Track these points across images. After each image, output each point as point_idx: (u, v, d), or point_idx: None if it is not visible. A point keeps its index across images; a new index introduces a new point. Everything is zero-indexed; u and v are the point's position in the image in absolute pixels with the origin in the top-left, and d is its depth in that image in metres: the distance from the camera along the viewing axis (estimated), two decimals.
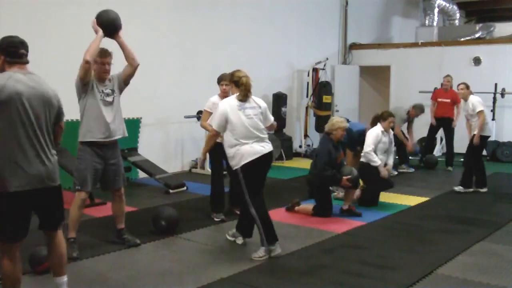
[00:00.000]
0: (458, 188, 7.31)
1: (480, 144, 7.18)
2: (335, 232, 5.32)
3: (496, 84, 10.55)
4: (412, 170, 9.02)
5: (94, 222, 5.51)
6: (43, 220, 3.36)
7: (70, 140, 6.28)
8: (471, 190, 7.29)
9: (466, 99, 7.31)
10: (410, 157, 9.33)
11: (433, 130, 9.52)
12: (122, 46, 4.41)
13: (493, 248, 4.87)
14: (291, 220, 5.79)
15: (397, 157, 9.05)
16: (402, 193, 7.22)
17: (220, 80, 5.70)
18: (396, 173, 8.66)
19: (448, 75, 9.31)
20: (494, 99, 10.53)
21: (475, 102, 7.15)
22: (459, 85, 7.51)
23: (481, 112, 7.08)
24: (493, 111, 10.51)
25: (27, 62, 3.24)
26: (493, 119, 10.52)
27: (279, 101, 10.20)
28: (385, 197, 6.96)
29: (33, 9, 6.74)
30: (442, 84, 9.43)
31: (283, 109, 10.19)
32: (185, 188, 7.24)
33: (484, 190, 7.31)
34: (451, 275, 4.17)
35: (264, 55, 10.20)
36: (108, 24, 4.27)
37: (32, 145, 3.12)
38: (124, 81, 4.59)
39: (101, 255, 4.52)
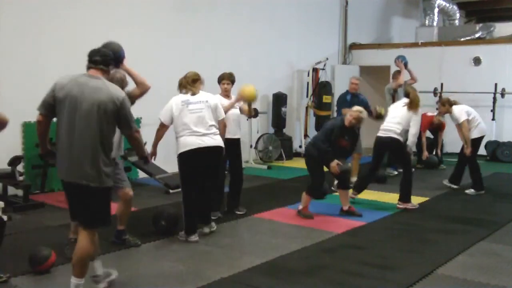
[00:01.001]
0: (470, 191, 7.28)
1: (474, 146, 7.18)
2: (335, 232, 5.32)
3: (496, 84, 10.56)
4: (412, 170, 8.99)
5: None
6: (79, 210, 3.53)
7: None
8: (480, 192, 7.24)
9: (450, 113, 7.28)
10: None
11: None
12: (130, 73, 4.49)
13: (493, 248, 4.87)
14: (291, 220, 5.78)
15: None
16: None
17: (220, 79, 5.77)
18: (396, 173, 8.66)
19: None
20: (494, 99, 10.54)
21: (457, 113, 7.14)
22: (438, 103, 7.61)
23: (462, 123, 7.06)
24: (493, 111, 10.51)
25: (99, 68, 3.48)
26: (493, 119, 10.53)
27: (279, 101, 10.20)
28: (385, 197, 6.98)
29: (34, 9, 6.74)
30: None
31: (283, 109, 10.19)
32: None
33: (455, 186, 7.44)
34: (451, 275, 4.17)
35: (264, 55, 10.20)
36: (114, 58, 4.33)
37: (72, 141, 3.33)
38: (131, 102, 4.62)
39: (101, 255, 4.51)
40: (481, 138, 7.32)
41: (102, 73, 3.48)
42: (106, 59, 3.54)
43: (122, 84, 4.40)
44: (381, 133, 6.47)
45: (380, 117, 6.66)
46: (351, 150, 6.06)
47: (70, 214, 3.65)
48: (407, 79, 8.75)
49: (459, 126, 7.15)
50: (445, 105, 7.34)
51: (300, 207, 5.97)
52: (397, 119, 6.38)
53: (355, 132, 5.94)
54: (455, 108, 7.21)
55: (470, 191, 7.27)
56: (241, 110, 5.94)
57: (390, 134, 6.36)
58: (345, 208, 6.03)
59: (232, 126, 5.71)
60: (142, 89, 4.55)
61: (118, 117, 3.41)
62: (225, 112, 5.27)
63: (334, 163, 5.67)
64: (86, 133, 3.31)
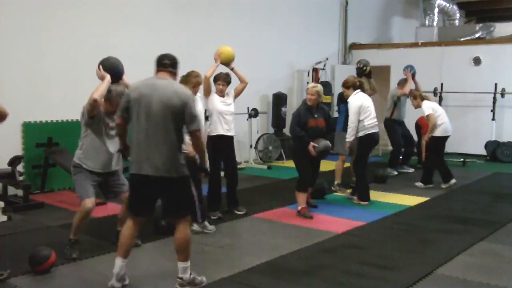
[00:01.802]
0: (419, 184, 7.65)
1: (436, 143, 7.38)
2: (335, 232, 5.32)
3: (496, 84, 10.55)
4: (412, 170, 9.02)
5: (94, 222, 5.50)
6: (164, 206, 3.80)
7: (70, 140, 6.32)
8: (431, 186, 7.59)
9: (420, 106, 7.55)
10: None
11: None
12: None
13: (493, 248, 4.87)
14: (291, 220, 5.78)
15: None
16: (402, 193, 7.22)
17: (216, 79, 5.78)
18: (396, 173, 8.67)
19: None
20: (494, 99, 10.54)
21: (424, 107, 7.44)
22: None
23: (428, 116, 7.36)
24: (493, 111, 10.51)
25: (168, 70, 3.77)
26: (493, 119, 10.53)
27: (279, 101, 10.19)
28: (385, 197, 6.98)
29: (34, 9, 6.74)
30: None
31: (283, 109, 10.19)
32: None
33: (453, 181, 7.55)
34: (451, 275, 4.17)
35: (264, 55, 10.20)
36: (113, 73, 4.40)
37: (146, 139, 3.61)
38: None
39: (101, 255, 4.52)
40: (444, 138, 7.49)
41: (170, 75, 3.76)
42: (174, 62, 3.82)
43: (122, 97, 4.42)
44: (375, 129, 6.56)
45: (369, 75, 7.48)
46: (328, 127, 6.12)
47: (133, 208, 3.80)
48: (412, 87, 8.82)
49: (427, 118, 7.45)
50: (417, 98, 7.60)
51: (299, 207, 5.98)
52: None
53: (322, 108, 6.11)
54: (424, 103, 7.48)
55: (419, 184, 7.63)
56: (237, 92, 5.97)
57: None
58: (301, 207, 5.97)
59: (228, 123, 5.73)
60: None
61: (183, 113, 3.62)
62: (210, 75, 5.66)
63: (310, 146, 5.79)
64: (159, 129, 3.59)
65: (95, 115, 4.33)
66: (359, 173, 6.65)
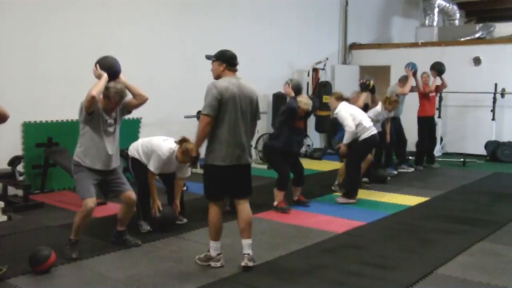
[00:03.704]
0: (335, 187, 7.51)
1: (354, 148, 6.61)
2: (335, 232, 5.32)
3: (496, 84, 10.55)
4: (412, 170, 9.02)
5: (94, 222, 5.50)
6: (235, 190, 4.26)
7: (70, 140, 6.31)
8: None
9: (335, 108, 6.78)
10: (409, 157, 9.34)
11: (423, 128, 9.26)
12: (127, 86, 4.51)
13: (493, 248, 4.87)
14: (291, 220, 5.79)
15: (395, 157, 9.07)
16: (402, 193, 7.22)
17: None
18: (396, 173, 8.66)
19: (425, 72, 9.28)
20: (494, 99, 10.53)
21: (339, 113, 6.65)
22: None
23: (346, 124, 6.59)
24: (493, 111, 10.51)
25: (236, 70, 4.27)
26: (493, 119, 10.53)
27: (279, 101, 10.18)
28: (385, 197, 6.98)
29: (34, 9, 6.74)
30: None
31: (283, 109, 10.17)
32: (185, 188, 7.22)
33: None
34: (451, 275, 4.17)
35: (264, 55, 10.20)
36: (110, 72, 4.39)
37: (241, 133, 4.13)
38: (128, 111, 4.68)
39: (101, 255, 4.52)
40: (365, 141, 6.60)
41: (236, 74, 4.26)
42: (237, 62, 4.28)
43: (122, 94, 4.42)
44: (373, 132, 6.62)
45: (372, 90, 7.57)
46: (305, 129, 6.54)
47: (217, 194, 4.23)
48: (413, 85, 8.83)
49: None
50: (336, 98, 6.83)
51: (275, 202, 6.11)
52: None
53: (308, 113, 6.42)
54: (340, 106, 6.68)
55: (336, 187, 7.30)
56: None
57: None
58: (295, 198, 6.39)
59: None
60: (140, 100, 4.61)
61: (257, 108, 4.30)
62: None
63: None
64: (246, 123, 4.17)
65: (93, 112, 4.33)
66: (350, 170, 6.65)
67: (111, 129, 4.49)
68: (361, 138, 6.55)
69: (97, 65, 4.41)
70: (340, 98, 6.80)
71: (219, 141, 4.09)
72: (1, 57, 6.48)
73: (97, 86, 4.26)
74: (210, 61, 4.32)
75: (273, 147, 6.26)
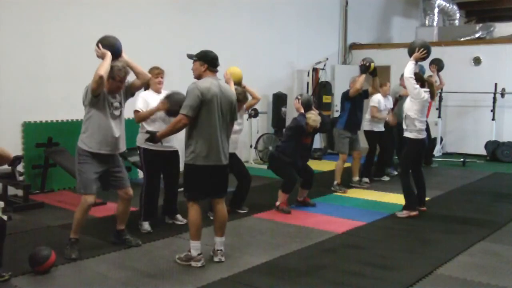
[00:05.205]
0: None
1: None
2: (335, 232, 5.32)
3: (496, 84, 10.55)
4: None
5: (94, 222, 5.51)
6: (213, 189, 4.31)
7: (70, 140, 6.31)
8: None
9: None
10: None
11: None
12: (129, 64, 4.51)
13: (493, 248, 4.87)
14: (291, 220, 5.79)
15: (396, 157, 9.06)
16: (402, 193, 7.20)
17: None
18: (395, 173, 8.65)
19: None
20: (494, 99, 10.53)
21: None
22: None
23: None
24: (493, 111, 10.51)
25: (218, 71, 4.29)
26: (493, 119, 10.53)
27: (279, 101, 10.19)
28: (385, 197, 6.98)
29: (34, 9, 6.74)
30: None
31: (283, 109, 10.18)
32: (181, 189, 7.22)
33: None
34: (451, 275, 4.17)
35: (264, 55, 10.20)
36: (112, 49, 4.39)
37: (220, 133, 4.16)
38: (132, 93, 4.69)
39: (101, 255, 4.52)
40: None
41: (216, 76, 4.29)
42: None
43: (125, 70, 4.40)
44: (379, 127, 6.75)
45: (373, 73, 7.25)
46: (324, 125, 6.41)
47: (200, 194, 4.28)
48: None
49: None
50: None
51: (278, 203, 6.10)
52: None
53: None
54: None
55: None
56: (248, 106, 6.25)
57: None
58: (300, 199, 6.39)
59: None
60: (143, 79, 4.62)
61: (234, 110, 4.33)
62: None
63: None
64: (225, 124, 4.22)
65: (99, 94, 4.31)
66: (401, 178, 6.17)
67: (117, 112, 4.47)
68: (412, 137, 5.92)
69: (100, 45, 4.37)
70: None
71: (200, 141, 4.11)
72: (1, 57, 6.48)
73: (102, 65, 4.23)
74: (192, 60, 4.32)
75: (279, 158, 6.19)
